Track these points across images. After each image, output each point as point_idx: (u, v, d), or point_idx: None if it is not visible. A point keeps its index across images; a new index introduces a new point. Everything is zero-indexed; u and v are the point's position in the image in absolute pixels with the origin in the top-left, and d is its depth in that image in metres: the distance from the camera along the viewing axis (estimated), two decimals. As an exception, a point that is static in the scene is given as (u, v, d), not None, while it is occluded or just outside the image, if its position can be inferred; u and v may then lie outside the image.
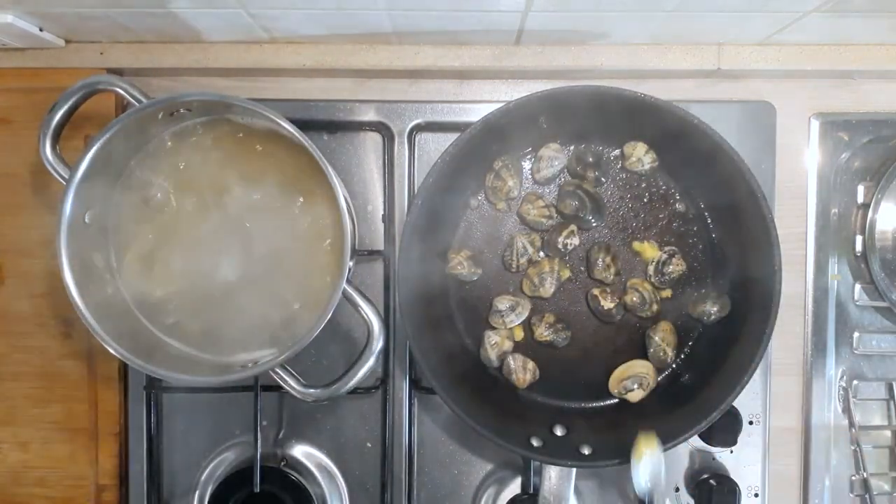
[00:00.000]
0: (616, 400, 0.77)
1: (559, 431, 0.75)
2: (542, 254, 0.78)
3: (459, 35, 0.76)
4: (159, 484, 0.81)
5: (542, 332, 0.77)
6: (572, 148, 0.78)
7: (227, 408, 0.81)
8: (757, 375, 0.71)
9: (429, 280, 0.75)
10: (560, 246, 0.76)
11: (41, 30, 0.73)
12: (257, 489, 0.75)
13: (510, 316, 0.76)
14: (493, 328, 0.77)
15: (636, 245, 0.78)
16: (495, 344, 0.76)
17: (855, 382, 0.83)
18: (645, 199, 0.78)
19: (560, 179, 0.78)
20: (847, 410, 0.83)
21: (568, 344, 0.77)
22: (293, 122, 0.66)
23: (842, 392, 0.83)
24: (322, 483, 0.81)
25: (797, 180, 0.83)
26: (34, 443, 0.82)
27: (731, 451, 0.81)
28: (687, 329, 0.78)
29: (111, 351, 0.67)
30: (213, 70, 0.80)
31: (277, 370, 0.67)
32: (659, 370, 0.77)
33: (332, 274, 0.71)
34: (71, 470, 0.82)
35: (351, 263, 0.68)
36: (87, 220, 0.69)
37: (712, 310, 0.75)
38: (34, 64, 0.79)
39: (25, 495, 0.82)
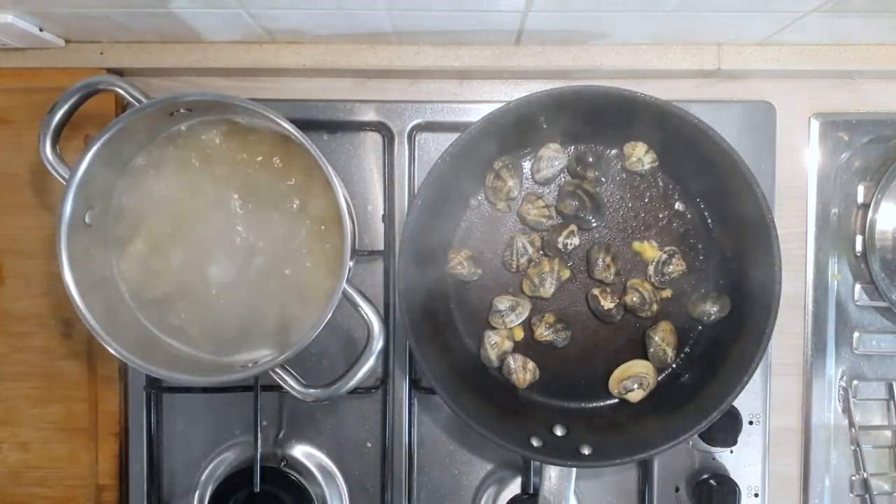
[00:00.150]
0: (616, 400, 0.77)
1: (559, 431, 0.75)
2: (541, 254, 0.78)
3: (459, 35, 0.76)
4: (159, 484, 0.81)
5: (542, 332, 0.77)
6: (572, 148, 0.78)
7: (227, 408, 0.81)
8: (757, 375, 0.71)
9: (429, 280, 0.75)
10: (560, 246, 0.76)
11: (41, 30, 0.73)
12: (257, 489, 0.75)
13: (510, 316, 0.76)
14: (493, 328, 0.77)
15: (636, 245, 0.78)
16: (495, 344, 0.76)
17: (855, 382, 0.83)
18: (645, 199, 0.78)
19: (560, 179, 0.78)
20: (847, 410, 0.83)
21: (568, 344, 0.77)
22: (293, 122, 0.66)
23: (842, 392, 0.83)
24: (322, 483, 0.81)
25: (797, 180, 0.83)
26: (34, 443, 0.82)
27: (731, 451, 0.81)
28: (687, 329, 0.78)
29: (111, 351, 0.67)
30: (213, 70, 0.80)
31: (277, 370, 0.67)
32: (659, 370, 0.77)
33: (332, 274, 0.71)
34: (71, 470, 0.82)
35: (351, 263, 0.68)
36: (87, 221, 0.69)
37: (712, 310, 0.75)
38: (34, 64, 0.79)
39: (25, 495, 0.82)
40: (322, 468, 0.82)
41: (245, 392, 0.79)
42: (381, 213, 0.81)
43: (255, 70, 0.80)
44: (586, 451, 0.71)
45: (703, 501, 0.79)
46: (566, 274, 0.77)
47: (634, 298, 0.76)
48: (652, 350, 0.76)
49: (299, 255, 0.73)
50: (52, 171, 0.68)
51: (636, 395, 0.75)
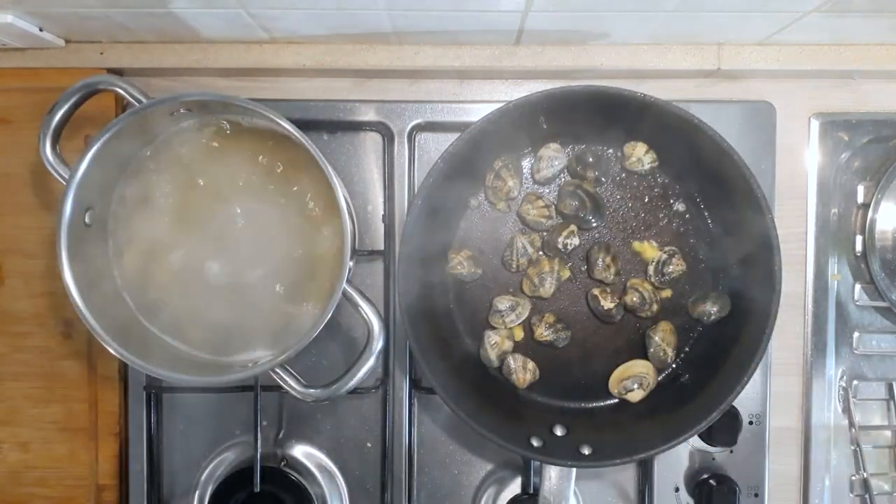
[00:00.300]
0: (616, 400, 0.77)
1: (559, 431, 0.75)
2: (541, 254, 0.78)
3: (459, 35, 0.76)
4: (159, 484, 0.81)
5: (542, 332, 0.77)
6: (572, 148, 0.78)
7: (227, 408, 0.82)
8: (757, 375, 0.71)
9: (429, 280, 0.75)
10: (560, 246, 0.76)
11: (41, 30, 0.73)
12: (257, 489, 0.75)
13: (510, 316, 0.76)
14: (493, 328, 0.77)
15: (636, 245, 0.78)
16: (495, 344, 0.76)
17: (855, 382, 0.83)
18: (645, 199, 0.78)
19: (560, 179, 0.78)
20: (847, 410, 0.83)
21: (568, 344, 0.77)
22: (293, 122, 0.66)
23: (842, 392, 0.83)
24: (322, 483, 0.81)
25: (797, 180, 0.83)
26: (34, 443, 0.82)
27: (731, 451, 0.81)
28: (687, 329, 0.78)
29: (111, 351, 0.67)
30: (213, 70, 0.80)
31: (277, 370, 0.67)
32: (659, 370, 0.77)
33: (332, 274, 0.71)
34: (71, 470, 0.82)
35: (351, 263, 0.68)
36: (87, 221, 0.69)
37: (712, 310, 0.75)
38: (34, 64, 0.79)
39: (25, 495, 0.82)
40: (322, 468, 0.82)
41: (245, 392, 0.79)
42: (381, 213, 0.81)
43: (255, 70, 0.80)
44: (586, 451, 0.71)
45: (703, 501, 0.79)
46: (566, 274, 0.77)
47: (634, 298, 0.76)
48: (652, 350, 0.76)
49: (299, 255, 0.73)
50: (52, 171, 0.68)
51: (636, 395, 0.75)
